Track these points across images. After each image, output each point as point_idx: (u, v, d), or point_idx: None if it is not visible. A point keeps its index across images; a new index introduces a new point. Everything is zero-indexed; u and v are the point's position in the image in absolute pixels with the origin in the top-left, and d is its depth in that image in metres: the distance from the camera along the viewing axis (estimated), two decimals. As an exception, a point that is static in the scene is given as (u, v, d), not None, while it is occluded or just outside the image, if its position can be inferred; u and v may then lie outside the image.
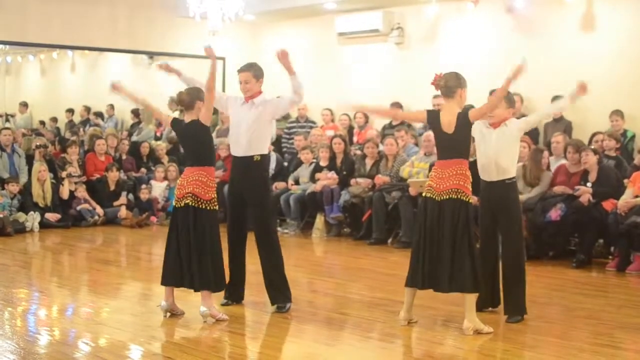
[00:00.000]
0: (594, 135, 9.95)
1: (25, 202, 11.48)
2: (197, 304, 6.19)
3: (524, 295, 6.21)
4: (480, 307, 6.13)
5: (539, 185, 9.18)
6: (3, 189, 11.51)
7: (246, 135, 6.43)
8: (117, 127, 15.87)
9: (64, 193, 11.94)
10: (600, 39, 10.54)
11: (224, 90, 14.62)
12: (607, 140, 9.59)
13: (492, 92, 6.23)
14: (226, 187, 7.55)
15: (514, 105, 6.46)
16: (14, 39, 13.43)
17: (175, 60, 15.58)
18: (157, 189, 12.65)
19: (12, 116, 17.52)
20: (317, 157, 11.62)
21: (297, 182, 11.67)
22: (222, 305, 6.53)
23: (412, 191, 10.04)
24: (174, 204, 6.28)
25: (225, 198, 7.68)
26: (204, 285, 6.10)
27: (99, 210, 12.04)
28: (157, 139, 14.65)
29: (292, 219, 11.41)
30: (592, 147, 9.31)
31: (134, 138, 14.76)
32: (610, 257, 8.90)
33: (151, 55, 15.88)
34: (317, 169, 11.46)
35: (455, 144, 5.84)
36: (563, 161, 9.44)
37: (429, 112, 6.08)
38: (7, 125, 15.58)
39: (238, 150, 6.51)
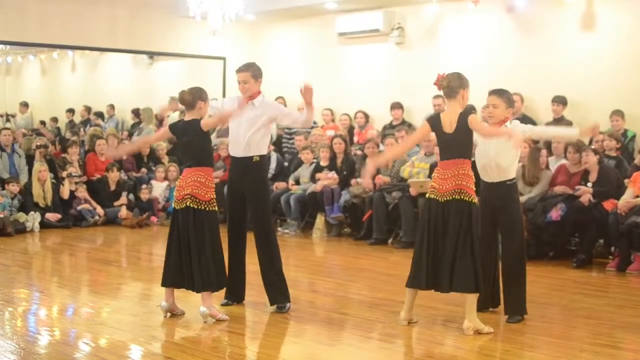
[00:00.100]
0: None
1: (26, 202, 11.49)
2: (197, 304, 6.19)
3: (524, 296, 6.20)
4: (481, 308, 6.13)
5: (539, 184, 9.19)
6: (3, 189, 11.51)
7: (245, 136, 6.43)
8: (117, 127, 15.89)
9: (65, 193, 11.94)
10: (600, 38, 10.53)
11: (224, 90, 14.65)
12: (608, 140, 9.58)
13: (491, 92, 6.20)
14: (226, 188, 7.55)
15: (514, 105, 6.46)
16: (14, 39, 13.43)
17: (175, 60, 15.65)
18: (158, 189, 12.65)
19: (13, 116, 17.55)
20: (317, 157, 11.63)
21: (297, 182, 11.67)
22: (223, 305, 6.53)
23: (413, 191, 10.05)
24: (173, 205, 6.29)
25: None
26: (205, 286, 6.10)
27: (100, 210, 12.05)
28: (157, 139, 14.65)
29: (292, 219, 11.41)
30: (593, 147, 9.31)
31: (135, 138, 14.77)
32: (610, 257, 8.90)
33: (151, 55, 15.90)
34: (318, 169, 11.46)
35: (456, 144, 5.83)
36: (563, 161, 9.44)
37: (429, 119, 6.09)
38: (8, 125, 15.61)
39: (237, 151, 6.52)
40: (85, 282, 8.21)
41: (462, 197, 5.78)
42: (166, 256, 6.27)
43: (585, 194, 8.74)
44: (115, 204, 12.25)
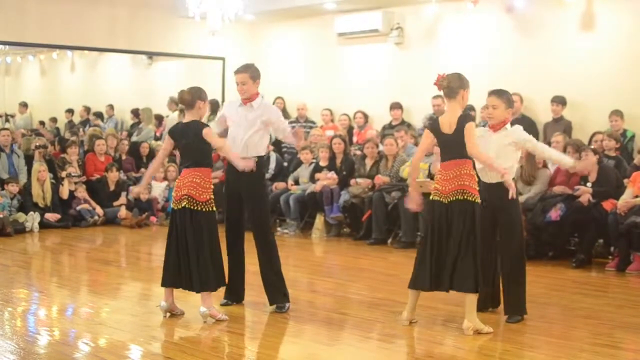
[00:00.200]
0: (593, 135, 9.95)
1: (25, 202, 11.48)
2: (196, 304, 6.19)
3: (524, 296, 6.20)
4: (481, 308, 6.13)
5: (536, 183, 9.18)
6: (3, 189, 11.50)
7: (243, 137, 6.44)
8: (116, 127, 15.88)
9: (64, 193, 11.93)
10: (599, 39, 10.53)
11: (223, 90, 14.66)
12: (607, 140, 9.58)
13: (491, 93, 6.20)
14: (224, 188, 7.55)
15: (513, 105, 6.46)
16: (14, 39, 13.43)
17: (174, 60, 15.65)
18: (157, 189, 12.65)
19: (12, 116, 17.55)
20: (316, 157, 11.63)
21: (296, 182, 11.67)
22: (222, 305, 6.53)
23: (412, 191, 10.04)
24: (172, 205, 6.29)
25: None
26: (204, 286, 6.10)
27: (99, 210, 12.05)
28: (156, 139, 14.66)
29: (292, 219, 11.41)
30: (592, 147, 9.31)
31: (134, 138, 14.78)
32: (610, 257, 8.90)
33: (150, 55, 15.90)
34: (317, 169, 11.46)
35: (456, 144, 5.82)
36: (563, 161, 9.43)
37: (427, 126, 6.13)
38: (7, 125, 15.61)
39: (235, 151, 6.51)
40: (85, 282, 8.21)
41: (465, 197, 5.78)
42: (165, 256, 6.28)
43: (585, 194, 8.74)
44: (115, 204, 12.25)
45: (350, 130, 12.75)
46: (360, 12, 12.93)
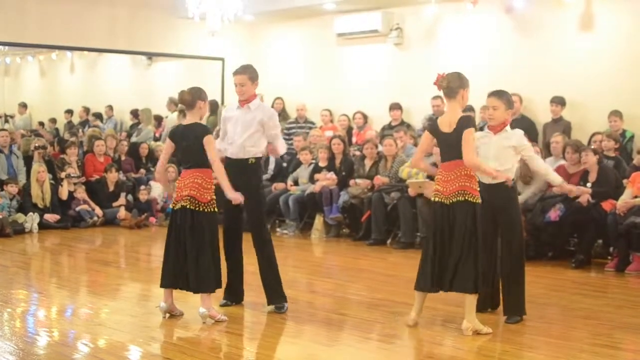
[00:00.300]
0: (593, 135, 9.96)
1: (25, 203, 11.48)
2: (196, 305, 6.19)
3: (523, 296, 6.20)
4: (480, 308, 6.12)
5: (534, 182, 9.14)
6: (2, 190, 11.50)
7: (241, 138, 6.44)
8: (116, 128, 15.90)
9: (63, 194, 11.93)
10: (598, 39, 10.53)
11: (222, 91, 14.66)
12: (606, 141, 9.58)
13: (491, 94, 6.20)
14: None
15: (513, 106, 6.45)
16: (13, 39, 13.44)
17: (174, 61, 15.65)
18: (156, 189, 12.64)
19: (11, 117, 17.57)
20: (316, 158, 11.62)
21: (296, 183, 11.67)
22: (221, 306, 6.53)
23: (411, 192, 10.05)
24: (171, 206, 6.29)
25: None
26: (203, 287, 6.09)
27: (98, 211, 12.04)
28: (156, 139, 14.67)
29: (291, 219, 11.41)
30: (592, 147, 9.31)
31: (133, 139, 14.78)
32: (609, 257, 8.89)
33: (150, 55, 15.90)
34: (316, 169, 11.46)
35: (455, 144, 5.81)
36: (562, 162, 9.44)
37: (426, 126, 6.12)
38: (6, 126, 15.62)
39: (233, 152, 6.52)
40: (84, 282, 8.20)
41: (466, 198, 5.78)
42: (165, 257, 6.27)
43: (584, 194, 8.73)
44: (114, 204, 12.24)
45: (349, 130, 12.75)
46: (360, 12, 12.93)
